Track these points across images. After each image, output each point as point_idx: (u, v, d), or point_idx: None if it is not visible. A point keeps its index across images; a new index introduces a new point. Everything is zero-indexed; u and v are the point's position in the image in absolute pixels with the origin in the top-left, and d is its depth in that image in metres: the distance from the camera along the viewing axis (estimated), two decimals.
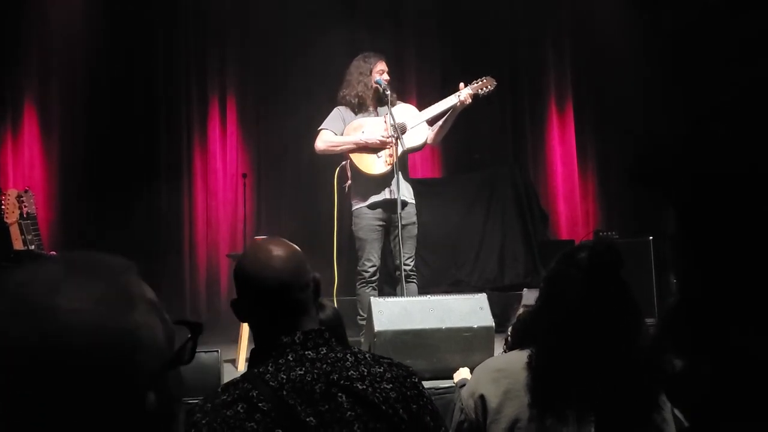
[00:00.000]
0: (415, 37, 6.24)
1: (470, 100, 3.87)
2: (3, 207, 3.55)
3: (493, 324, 3.22)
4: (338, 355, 1.36)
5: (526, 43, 6.59)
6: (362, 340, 3.46)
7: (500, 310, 3.56)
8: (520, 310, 2.27)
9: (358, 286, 3.84)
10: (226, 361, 3.68)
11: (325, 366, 1.33)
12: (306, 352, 1.34)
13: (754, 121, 0.60)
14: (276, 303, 1.39)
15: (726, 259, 0.61)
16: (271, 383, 1.29)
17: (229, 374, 3.49)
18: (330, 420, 1.26)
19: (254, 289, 1.42)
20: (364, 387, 1.31)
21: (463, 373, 2.86)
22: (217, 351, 3.19)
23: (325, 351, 1.36)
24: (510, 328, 2.25)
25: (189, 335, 0.77)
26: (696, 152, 0.64)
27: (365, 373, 1.33)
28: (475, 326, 3.18)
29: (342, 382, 1.31)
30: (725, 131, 0.62)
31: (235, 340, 4.04)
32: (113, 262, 0.73)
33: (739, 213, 0.59)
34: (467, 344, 3.14)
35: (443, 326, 3.16)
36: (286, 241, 1.49)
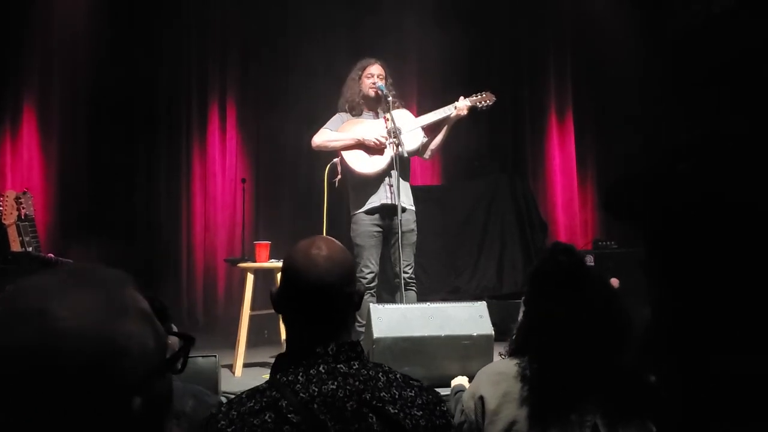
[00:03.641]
0: (417, 46, 6.25)
1: (466, 112, 3.91)
2: (1, 208, 3.53)
3: (493, 332, 3.20)
4: (370, 372, 1.32)
5: (527, 52, 6.60)
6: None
7: (499, 319, 3.53)
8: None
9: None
10: (224, 366, 3.66)
11: (357, 383, 1.29)
12: (338, 366, 1.30)
13: (719, 159, 0.62)
14: (313, 303, 1.36)
15: (693, 283, 0.62)
16: (301, 394, 1.25)
17: (226, 379, 3.47)
18: None
19: (295, 283, 1.39)
20: (396, 411, 1.27)
21: (459, 380, 2.85)
22: (215, 356, 3.17)
23: (357, 366, 1.32)
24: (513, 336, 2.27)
25: (180, 346, 0.80)
26: (664, 186, 0.66)
27: (397, 396, 1.29)
28: (475, 334, 3.17)
29: (374, 402, 1.27)
30: (690, 169, 0.63)
31: (233, 345, 4.02)
32: (111, 273, 0.77)
33: (704, 242, 0.60)
34: (466, 352, 3.12)
35: (442, 334, 3.15)
36: (343, 247, 1.46)
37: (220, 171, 6.10)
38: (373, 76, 3.98)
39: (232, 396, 1.49)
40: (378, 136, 3.85)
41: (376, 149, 3.88)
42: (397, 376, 1.35)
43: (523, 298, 1.74)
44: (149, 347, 0.74)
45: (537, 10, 6.46)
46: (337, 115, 4.05)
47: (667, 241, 0.65)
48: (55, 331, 0.67)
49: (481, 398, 1.62)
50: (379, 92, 3.90)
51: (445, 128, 4.00)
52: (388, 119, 3.83)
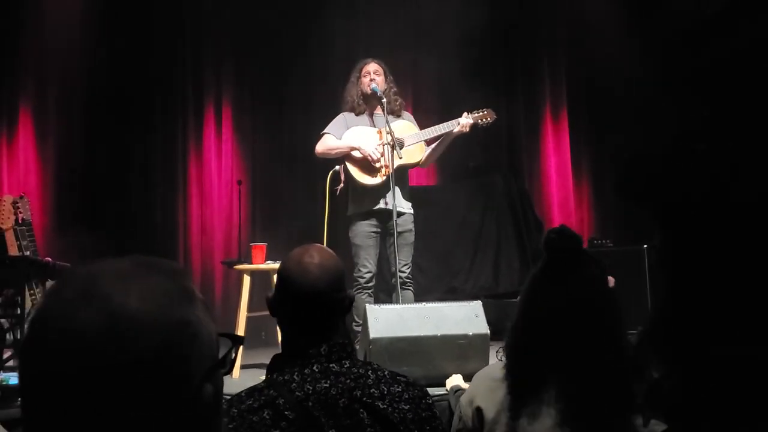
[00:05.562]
0: (413, 47, 6.25)
1: (468, 129, 3.98)
2: None
3: (488, 331, 3.22)
4: (360, 370, 1.40)
5: (522, 51, 6.62)
6: (357, 347, 3.46)
7: (495, 318, 3.55)
8: None
9: (354, 293, 3.84)
10: None
11: (348, 381, 1.37)
12: (331, 365, 1.38)
13: (732, 143, 0.61)
14: (305, 308, 1.45)
15: (703, 272, 0.62)
16: (297, 393, 1.33)
17: (224, 381, 3.48)
18: None
19: (288, 289, 1.48)
20: (385, 406, 1.35)
21: (455, 380, 2.87)
22: None
23: (348, 365, 1.40)
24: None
25: (230, 346, 0.81)
26: (678, 170, 0.66)
27: (385, 392, 1.37)
28: (470, 333, 3.18)
29: (364, 399, 1.34)
30: (706, 151, 0.63)
31: None
32: (174, 264, 0.78)
33: (719, 230, 0.60)
34: (462, 351, 3.14)
35: (438, 333, 3.16)
36: (334, 254, 1.54)
37: (217, 173, 6.10)
38: (370, 73, 4.02)
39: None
40: (373, 150, 3.87)
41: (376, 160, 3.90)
42: (385, 372, 1.43)
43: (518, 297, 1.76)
44: (213, 336, 0.75)
45: (532, 9, 6.48)
46: (340, 115, 4.09)
47: (685, 225, 0.64)
48: (131, 315, 0.67)
49: (479, 408, 1.62)
50: (375, 94, 3.93)
51: (441, 141, 4.06)
52: (381, 132, 3.89)
